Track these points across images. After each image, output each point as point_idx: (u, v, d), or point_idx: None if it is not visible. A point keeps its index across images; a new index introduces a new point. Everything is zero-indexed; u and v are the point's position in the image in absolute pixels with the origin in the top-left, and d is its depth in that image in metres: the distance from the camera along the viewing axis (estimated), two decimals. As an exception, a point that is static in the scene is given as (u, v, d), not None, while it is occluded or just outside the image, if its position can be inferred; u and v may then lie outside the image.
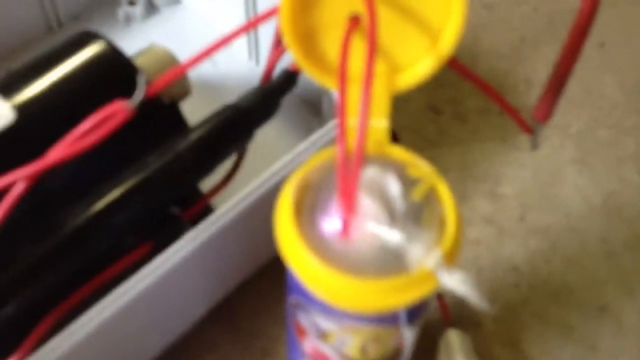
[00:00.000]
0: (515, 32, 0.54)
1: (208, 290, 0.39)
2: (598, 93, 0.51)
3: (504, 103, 0.33)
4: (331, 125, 0.38)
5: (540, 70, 0.52)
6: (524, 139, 0.48)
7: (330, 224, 0.25)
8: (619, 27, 0.55)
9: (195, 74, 0.42)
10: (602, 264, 0.43)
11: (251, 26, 0.29)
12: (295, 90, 0.41)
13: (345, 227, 0.24)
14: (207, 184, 0.39)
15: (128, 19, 0.53)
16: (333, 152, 0.27)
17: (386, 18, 0.26)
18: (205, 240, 0.34)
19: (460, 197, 0.46)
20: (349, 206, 0.24)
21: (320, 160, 0.27)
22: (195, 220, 0.35)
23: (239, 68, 0.50)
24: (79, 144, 0.28)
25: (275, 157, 0.36)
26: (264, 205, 0.35)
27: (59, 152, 0.28)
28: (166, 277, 0.33)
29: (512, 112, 0.33)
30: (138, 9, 0.53)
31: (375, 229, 0.24)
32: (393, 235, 0.24)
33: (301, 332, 0.29)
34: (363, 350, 0.28)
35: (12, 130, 0.34)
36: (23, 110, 0.34)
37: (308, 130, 0.43)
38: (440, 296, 0.40)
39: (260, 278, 0.41)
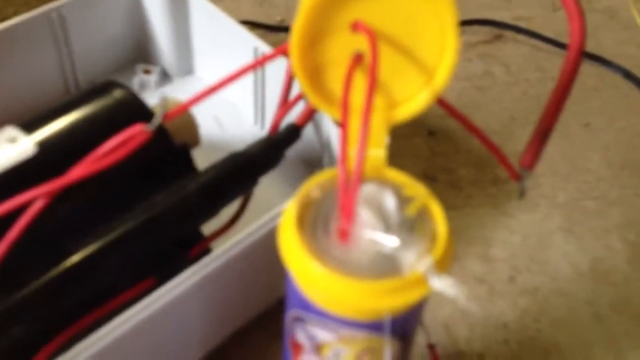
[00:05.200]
0: (505, 111, 0.58)
1: (204, 333, 0.40)
2: (583, 168, 0.54)
3: (495, 149, 0.35)
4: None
5: (529, 146, 0.55)
6: (514, 205, 0.51)
7: (330, 232, 0.27)
8: (602, 110, 0.58)
9: (203, 135, 0.45)
10: (590, 326, 0.44)
11: (258, 64, 0.32)
12: (298, 148, 0.44)
13: (344, 233, 0.26)
14: (208, 227, 0.41)
15: (143, 87, 0.56)
16: (332, 174, 0.29)
17: (386, 56, 0.29)
18: (202, 278, 0.35)
19: (453, 258, 0.47)
20: (348, 214, 0.26)
21: (321, 180, 0.29)
22: (196, 261, 0.36)
23: (245, 132, 0.53)
24: (99, 163, 0.30)
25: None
26: (261, 249, 0.36)
27: (79, 170, 0.30)
28: (163, 311, 0.34)
29: (501, 158, 0.36)
30: (152, 78, 0.56)
31: (371, 234, 0.26)
32: (388, 240, 0.25)
33: (297, 348, 0.30)
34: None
35: (32, 162, 0.36)
36: (44, 145, 0.37)
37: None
38: (432, 347, 0.41)
39: (257, 329, 0.42)
